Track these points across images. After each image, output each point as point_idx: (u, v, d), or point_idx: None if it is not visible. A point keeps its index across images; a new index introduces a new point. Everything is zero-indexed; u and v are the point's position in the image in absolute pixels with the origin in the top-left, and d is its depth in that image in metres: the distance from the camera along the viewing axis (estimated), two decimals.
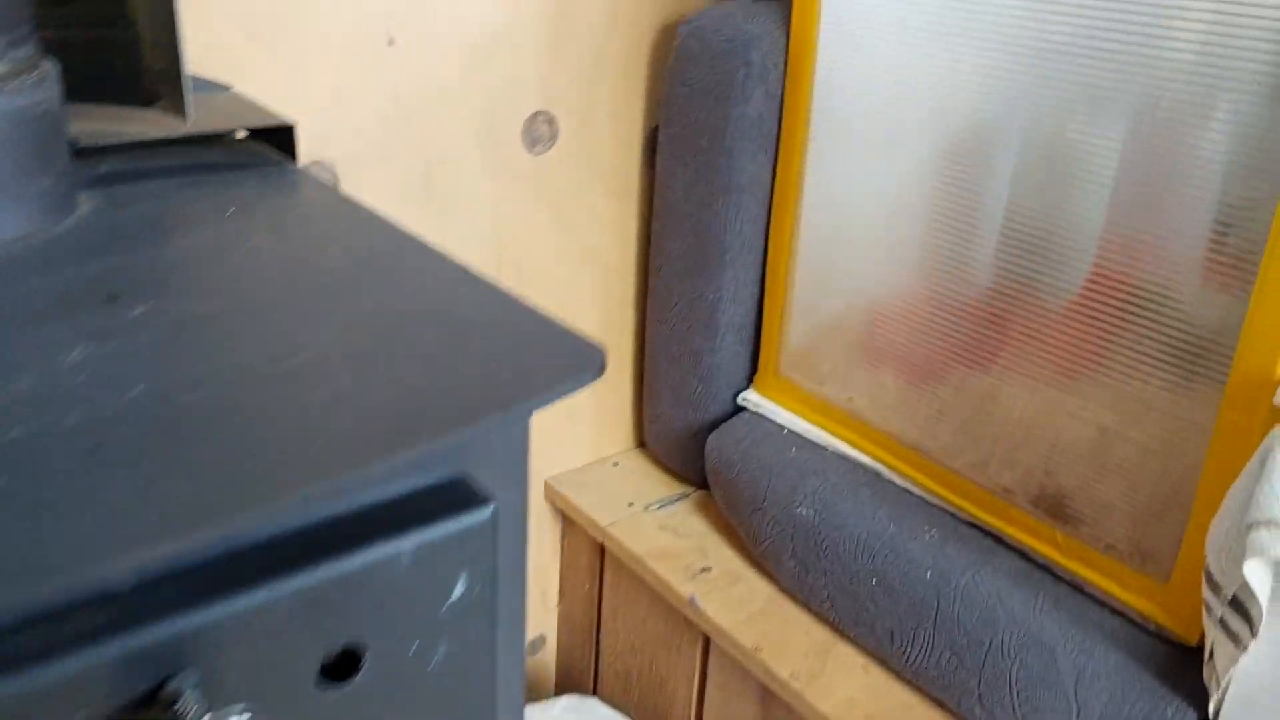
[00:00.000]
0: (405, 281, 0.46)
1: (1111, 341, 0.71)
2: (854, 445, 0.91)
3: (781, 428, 0.96)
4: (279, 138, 0.62)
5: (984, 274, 0.78)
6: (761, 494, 0.91)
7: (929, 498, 0.86)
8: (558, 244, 0.98)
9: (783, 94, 0.90)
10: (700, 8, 0.98)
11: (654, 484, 1.06)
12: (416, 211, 0.88)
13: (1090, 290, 0.72)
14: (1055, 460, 0.76)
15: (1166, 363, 0.68)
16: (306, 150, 0.80)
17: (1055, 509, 0.77)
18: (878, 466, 0.89)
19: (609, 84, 0.95)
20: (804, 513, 0.87)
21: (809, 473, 0.90)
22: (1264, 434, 0.63)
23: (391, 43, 0.81)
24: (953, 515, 0.84)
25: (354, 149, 0.82)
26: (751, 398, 0.99)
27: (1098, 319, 0.71)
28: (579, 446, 1.09)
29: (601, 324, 1.04)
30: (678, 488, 1.06)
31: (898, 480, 0.88)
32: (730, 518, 0.97)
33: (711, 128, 0.91)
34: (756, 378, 1.00)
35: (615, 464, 1.10)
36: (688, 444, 1.03)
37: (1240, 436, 0.64)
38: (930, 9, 0.76)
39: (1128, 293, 0.69)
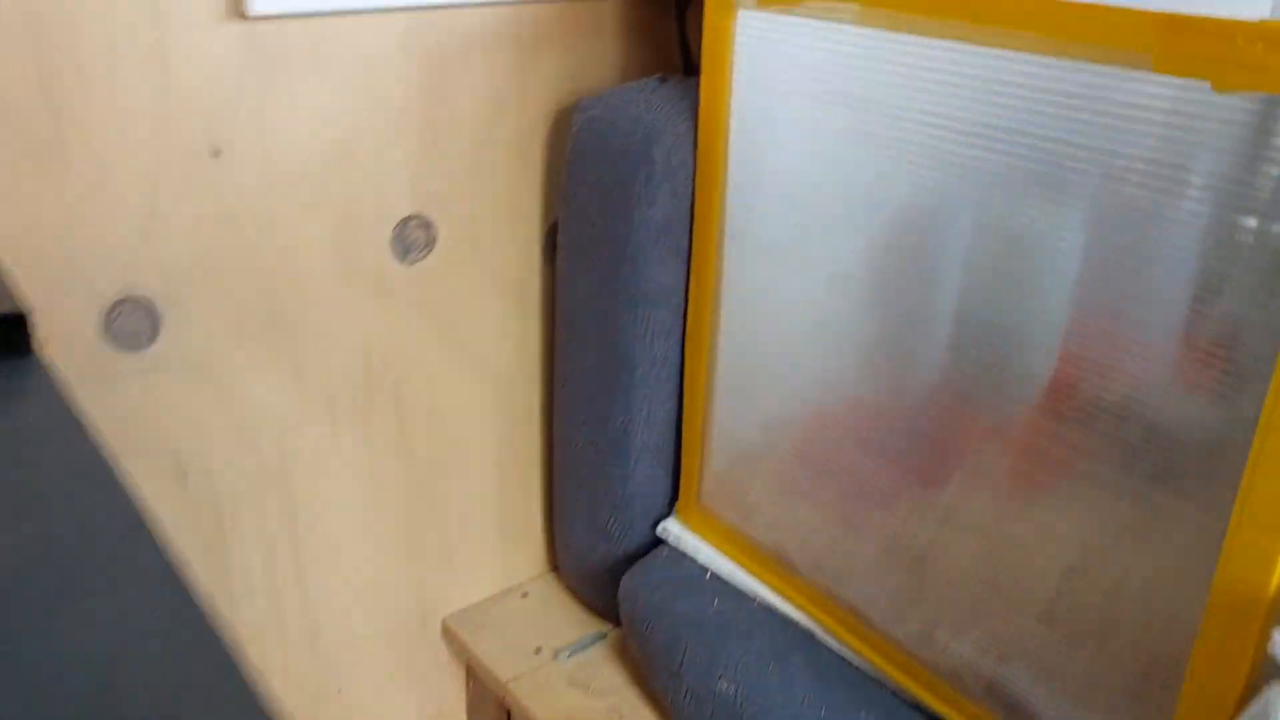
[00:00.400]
0: (65, 613, 0.33)
1: (1069, 474, 0.58)
2: (784, 597, 0.79)
3: (704, 570, 0.84)
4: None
5: (924, 392, 0.65)
6: (679, 658, 0.78)
7: (869, 669, 0.73)
8: (444, 359, 0.85)
9: (693, 194, 0.77)
10: (601, 86, 0.85)
11: (567, 620, 0.94)
12: (262, 343, 0.75)
13: (1047, 407, 0.59)
14: (1008, 640, 0.64)
15: (1130, 507, 0.56)
16: (116, 285, 0.67)
17: (1012, 708, 0.65)
18: (812, 625, 0.77)
19: (496, 178, 0.82)
20: (725, 687, 0.75)
21: (733, 634, 0.77)
22: (1254, 668, 0.51)
23: (217, 154, 0.68)
24: (895, 694, 0.72)
25: (178, 278, 0.69)
26: (672, 529, 0.87)
27: (1054, 440, 0.59)
28: (484, 572, 0.96)
29: (499, 442, 0.92)
30: (594, 624, 0.93)
31: (834, 644, 0.75)
32: (646, 677, 0.84)
33: (613, 233, 0.78)
34: (678, 506, 0.88)
35: (525, 594, 0.97)
36: (603, 577, 0.91)
37: (1226, 663, 0.52)
38: (851, 114, 0.64)
39: (1089, 410, 0.57)
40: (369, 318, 0.79)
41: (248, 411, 0.76)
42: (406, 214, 0.78)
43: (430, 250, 0.81)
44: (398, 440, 0.85)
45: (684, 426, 0.85)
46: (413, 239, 0.79)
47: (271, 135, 0.70)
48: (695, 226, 0.77)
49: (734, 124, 0.72)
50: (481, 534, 0.94)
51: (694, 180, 0.76)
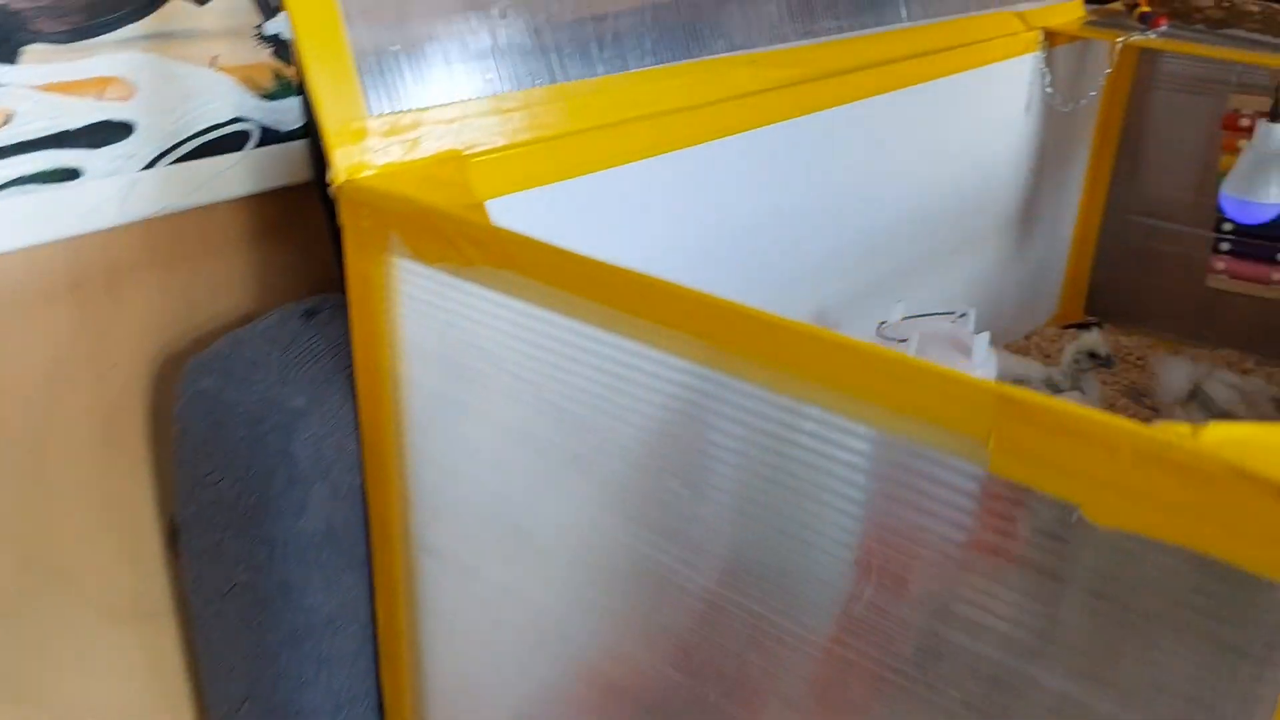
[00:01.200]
0: None
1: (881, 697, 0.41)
2: None
3: None
4: None
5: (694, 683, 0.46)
6: None
7: None
8: None
9: (362, 487, 0.54)
10: (229, 316, 0.61)
11: None
12: None
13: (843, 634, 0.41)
14: None
15: None
16: None
17: None
18: None
19: (74, 475, 0.56)
20: None
21: None
22: None
23: None
24: None
25: None
26: None
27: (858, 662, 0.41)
28: None
29: None
30: None
31: None
32: None
33: (249, 551, 0.54)
34: None
35: None
36: None
37: None
38: (557, 426, 0.44)
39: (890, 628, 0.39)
40: None
41: None
42: None
43: None
44: None
45: None
46: None
47: None
48: (373, 534, 0.55)
49: (409, 405, 0.50)
50: None
51: (362, 469, 0.54)
